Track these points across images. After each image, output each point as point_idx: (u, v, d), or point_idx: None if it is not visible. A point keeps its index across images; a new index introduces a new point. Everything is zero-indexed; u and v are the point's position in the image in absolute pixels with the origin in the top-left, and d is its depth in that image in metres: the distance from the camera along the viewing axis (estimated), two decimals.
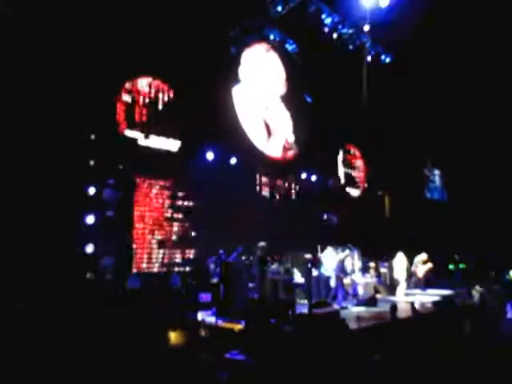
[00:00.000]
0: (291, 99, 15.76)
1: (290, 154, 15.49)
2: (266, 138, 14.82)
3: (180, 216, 12.06)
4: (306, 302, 10.35)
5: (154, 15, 10.71)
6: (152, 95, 11.52)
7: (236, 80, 14.13)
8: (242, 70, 14.39)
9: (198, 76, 11.45)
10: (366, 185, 17.77)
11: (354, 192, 17.60)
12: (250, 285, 9.77)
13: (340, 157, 17.56)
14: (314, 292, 11.58)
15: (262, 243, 10.44)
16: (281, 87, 15.65)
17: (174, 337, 7.06)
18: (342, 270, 11.56)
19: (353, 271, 13.20)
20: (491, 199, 16.90)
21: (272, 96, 15.34)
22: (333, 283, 11.44)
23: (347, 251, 12.11)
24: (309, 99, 15.55)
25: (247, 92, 14.42)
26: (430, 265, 14.56)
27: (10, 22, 8.43)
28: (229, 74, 13.83)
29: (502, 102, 16.78)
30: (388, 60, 18.30)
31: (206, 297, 9.90)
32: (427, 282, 14.76)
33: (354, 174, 17.94)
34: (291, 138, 15.70)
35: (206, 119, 11.78)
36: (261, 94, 14.96)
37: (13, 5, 8.47)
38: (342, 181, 17.33)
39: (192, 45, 11.51)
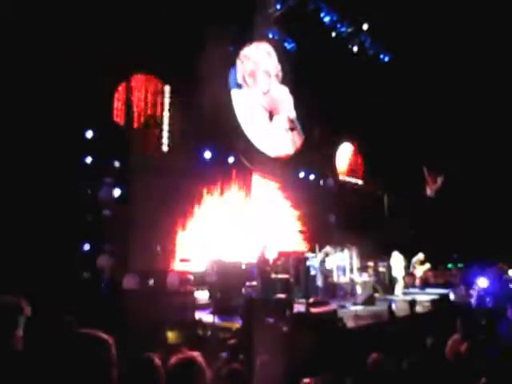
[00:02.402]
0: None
1: (296, 141, 15.43)
2: (267, 122, 14.80)
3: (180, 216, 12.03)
4: (303, 301, 10.35)
5: (151, 13, 10.67)
6: (149, 94, 11.48)
7: (236, 84, 14.14)
8: (241, 72, 14.41)
9: (196, 75, 11.42)
10: (362, 180, 17.72)
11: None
12: (248, 284, 9.77)
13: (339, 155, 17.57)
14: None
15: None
16: (274, 66, 15.57)
17: (171, 336, 7.05)
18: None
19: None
20: (491, 198, 16.87)
21: (268, 78, 15.29)
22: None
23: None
24: None
25: (245, 89, 14.44)
26: (427, 265, 14.60)
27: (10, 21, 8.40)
28: (228, 73, 13.77)
29: (500, 100, 16.75)
30: (387, 59, 18.31)
31: (203, 296, 9.90)
32: (426, 282, 14.79)
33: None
34: (293, 114, 15.63)
35: (205, 117, 11.75)
36: (258, 83, 14.93)
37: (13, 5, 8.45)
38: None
39: (190, 44, 11.48)
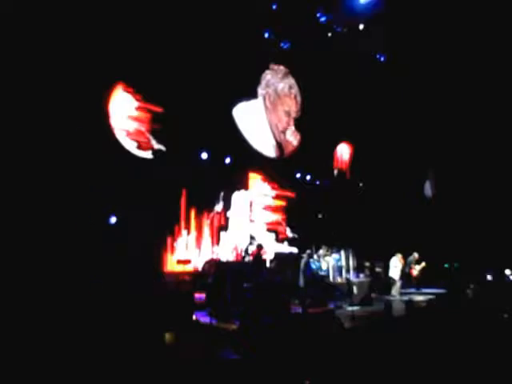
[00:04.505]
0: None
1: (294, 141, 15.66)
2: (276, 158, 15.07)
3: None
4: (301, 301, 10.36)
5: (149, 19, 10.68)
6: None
7: (253, 96, 14.31)
8: (260, 88, 14.71)
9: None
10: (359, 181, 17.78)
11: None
12: (245, 285, 9.75)
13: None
14: None
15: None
16: (296, 109, 15.81)
17: (169, 337, 7.05)
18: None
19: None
20: (487, 197, 16.92)
21: (287, 118, 15.53)
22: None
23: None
24: None
25: (262, 109, 14.62)
26: (423, 264, 14.66)
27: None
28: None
29: (499, 98, 16.77)
30: (382, 59, 18.32)
31: (200, 297, 9.88)
32: (422, 281, 14.82)
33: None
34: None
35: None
36: (276, 115, 15.15)
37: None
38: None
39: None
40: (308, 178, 16.25)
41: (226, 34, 12.88)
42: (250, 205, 13.95)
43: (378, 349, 6.05)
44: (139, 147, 11.28)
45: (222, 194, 12.92)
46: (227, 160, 13.28)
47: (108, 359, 5.75)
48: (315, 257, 12.52)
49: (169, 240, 11.72)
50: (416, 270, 14.68)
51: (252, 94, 14.46)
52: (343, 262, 13.75)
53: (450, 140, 17.52)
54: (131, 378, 5.44)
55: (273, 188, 14.73)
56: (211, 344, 7.01)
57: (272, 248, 13.11)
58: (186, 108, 11.44)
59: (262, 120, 14.74)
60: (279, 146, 15.23)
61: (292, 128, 15.73)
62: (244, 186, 13.96)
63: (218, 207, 12.80)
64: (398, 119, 17.61)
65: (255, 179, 14.34)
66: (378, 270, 14.60)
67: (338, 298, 12.01)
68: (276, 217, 14.60)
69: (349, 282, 12.68)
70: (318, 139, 15.39)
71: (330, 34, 16.47)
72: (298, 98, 15.94)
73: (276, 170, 14.80)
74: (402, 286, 13.89)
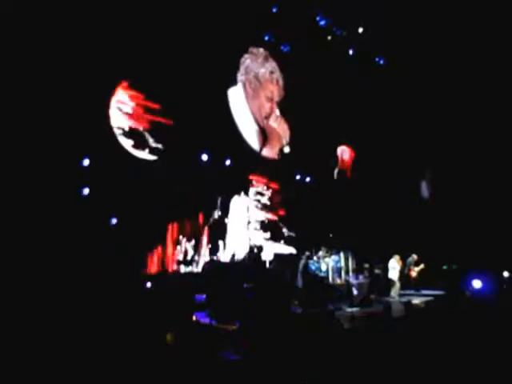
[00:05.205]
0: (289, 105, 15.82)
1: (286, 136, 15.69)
2: (260, 145, 14.98)
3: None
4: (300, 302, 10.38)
5: (146, 18, 10.72)
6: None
7: (233, 82, 14.24)
8: (240, 74, 14.55)
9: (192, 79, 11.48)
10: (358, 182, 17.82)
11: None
12: (245, 285, 9.78)
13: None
14: None
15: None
16: (278, 94, 15.76)
17: (169, 337, 7.07)
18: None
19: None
20: (485, 198, 16.95)
21: (270, 103, 15.47)
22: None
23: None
24: None
25: (243, 96, 14.56)
26: (422, 266, 14.72)
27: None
28: (225, 76, 13.87)
29: (498, 103, 16.82)
30: (382, 62, 18.40)
31: (200, 297, 9.90)
32: (421, 283, 14.86)
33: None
34: (287, 149, 15.75)
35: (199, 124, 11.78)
36: (258, 101, 15.11)
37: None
38: None
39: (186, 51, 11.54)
40: (308, 179, 16.27)
41: (227, 34, 12.98)
42: (248, 206, 13.98)
43: (378, 349, 6.08)
44: (135, 146, 11.27)
45: (220, 199, 12.93)
46: (227, 162, 13.30)
47: (108, 359, 5.77)
48: (315, 258, 12.56)
49: (168, 241, 11.73)
50: (415, 271, 14.73)
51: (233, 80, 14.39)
52: (342, 264, 13.79)
53: (447, 141, 17.57)
54: (131, 378, 5.46)
55: (271, 188, 14.76)
56: (211, 344, 7.02)
57: (271, 248, 13.13)
58: (185, 107, 11.48)
59: (243, 106, 14.69)
60: (262, 131, 15.18)
61: (276, 113, 15.70)
62: (244, 187, 14.00)
63: (217, 211, 12.82)
64: (395, 120, 17.67)
65: (254, 179, 14.39)
66: (377, 271, 14.64)
67: (338, 299, 12.05)
68: (274, 217, 14.64)
69: (348, 284, 12.73)
70: (317, 140, 15.42)
71: (329, 37, 16.58)
72: (281, 82, 15.81)
73: (275, 170, 14.83)
74: (401, 288, 13.92)
